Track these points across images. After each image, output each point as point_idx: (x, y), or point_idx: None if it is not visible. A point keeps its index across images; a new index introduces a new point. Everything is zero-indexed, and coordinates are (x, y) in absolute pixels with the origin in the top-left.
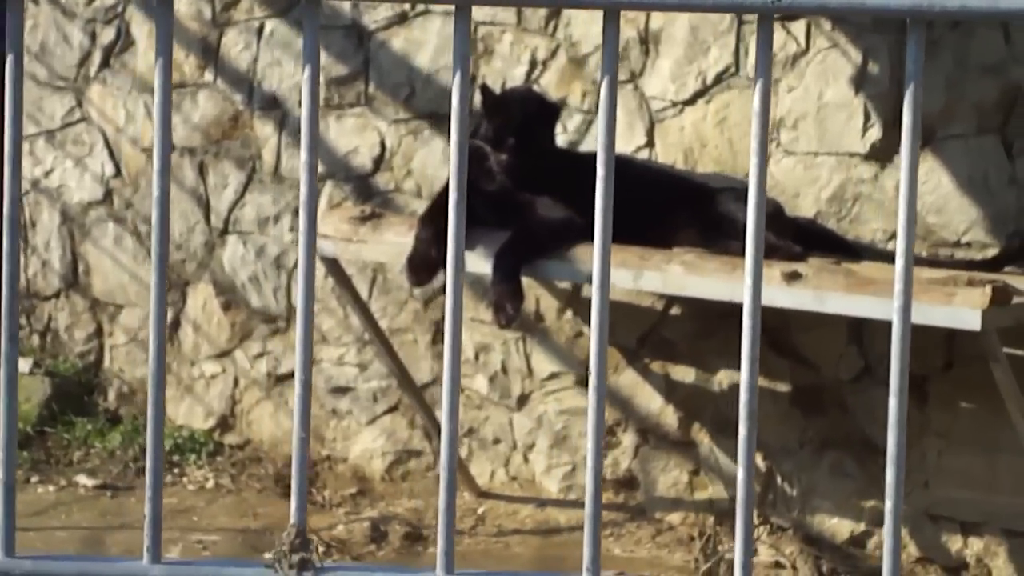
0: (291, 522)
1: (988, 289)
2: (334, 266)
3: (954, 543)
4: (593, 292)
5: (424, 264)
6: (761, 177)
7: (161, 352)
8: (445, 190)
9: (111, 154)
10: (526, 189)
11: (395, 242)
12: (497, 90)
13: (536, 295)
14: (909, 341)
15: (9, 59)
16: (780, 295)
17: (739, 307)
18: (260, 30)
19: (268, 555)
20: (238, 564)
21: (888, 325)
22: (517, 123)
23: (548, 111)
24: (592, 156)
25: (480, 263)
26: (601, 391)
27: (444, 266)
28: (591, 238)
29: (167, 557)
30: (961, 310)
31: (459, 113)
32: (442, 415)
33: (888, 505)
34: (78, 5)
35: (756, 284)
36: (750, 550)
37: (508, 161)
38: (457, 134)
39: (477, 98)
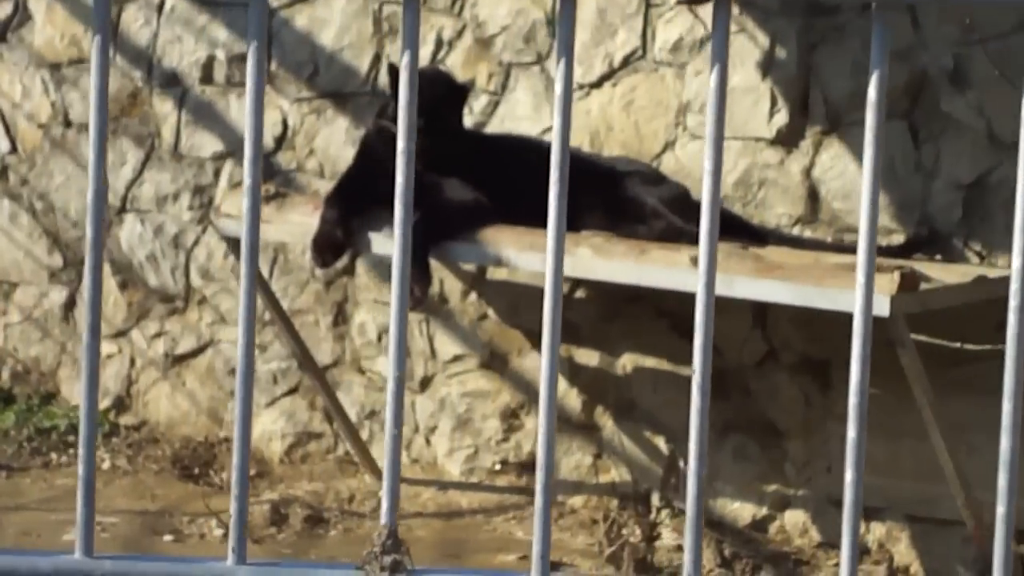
0: (382, 522)
1: (896, 275)
2: (237, 246)
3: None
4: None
5: (329, 245)
6: (716, 177)
7: (253, 364)
8: (351, 171)
9: (7, 130)
10: (435, 170)
11: (299, 222)
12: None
13: (440, 277)
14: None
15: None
16: (688, 279)
17: (644, 291)
18: (160, 6)
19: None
20: (328, 566)
21: (792, 310)
22: (426, 104)
23: (457, 92)
24: (499, 138)
25: (386, 244)
26: (553, 380)
27: (349, 247)
28: (498, 220)
29: (251, 559)
30: None
31: (407, 115)
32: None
33: (1000, 511)
34: None
35: (868, 289)
36: (855, 553)
37: (416, 142)
38: (405, 141)
39: (385, 79)
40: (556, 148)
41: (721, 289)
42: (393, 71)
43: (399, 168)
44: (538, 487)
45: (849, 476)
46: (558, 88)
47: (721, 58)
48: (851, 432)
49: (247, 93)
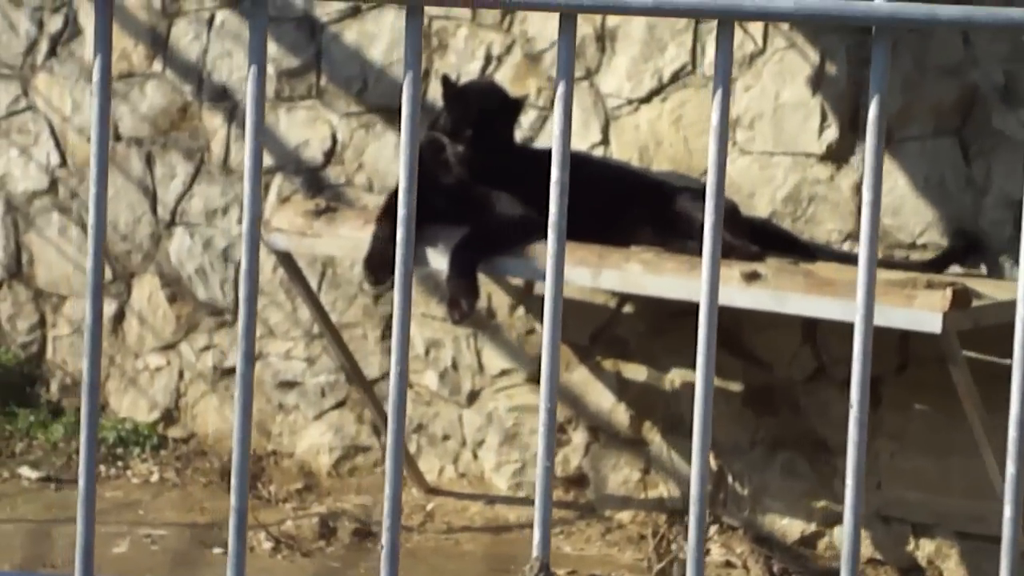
0: (534, 555)
1: (948, 292)
2: (287, 260)
3: (906, 544)
4: (546, 289)
5: (382, 263)
6: (719, 184)
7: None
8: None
9: (57, 143)
10: (484, 183)
11: (350, 236)
12: (459, 82)
13: (488, 291)
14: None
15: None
16: (739, 295)
17: (693, 306)
18: (211, 20)
19: None
20: None
21: (843, 326)
22: (476, 115)
23: (509, 106)
24: (548, 153)
25: (437, 258)
26: (553, 386)
27: None
28: (547, 235)
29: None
30: (921, 312)
31: (410, 114)
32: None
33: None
34: None
35: (868, 308)
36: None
37: (464, 153)
38: (407, 146)
39: (437, 90)
40: (556, 160)
41: (772, 305)
42: (445, 82)
43: (401, 170)
44: (538, 491)
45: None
46: (557, 108)
47: (724, 80)
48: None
49: (247, 115)
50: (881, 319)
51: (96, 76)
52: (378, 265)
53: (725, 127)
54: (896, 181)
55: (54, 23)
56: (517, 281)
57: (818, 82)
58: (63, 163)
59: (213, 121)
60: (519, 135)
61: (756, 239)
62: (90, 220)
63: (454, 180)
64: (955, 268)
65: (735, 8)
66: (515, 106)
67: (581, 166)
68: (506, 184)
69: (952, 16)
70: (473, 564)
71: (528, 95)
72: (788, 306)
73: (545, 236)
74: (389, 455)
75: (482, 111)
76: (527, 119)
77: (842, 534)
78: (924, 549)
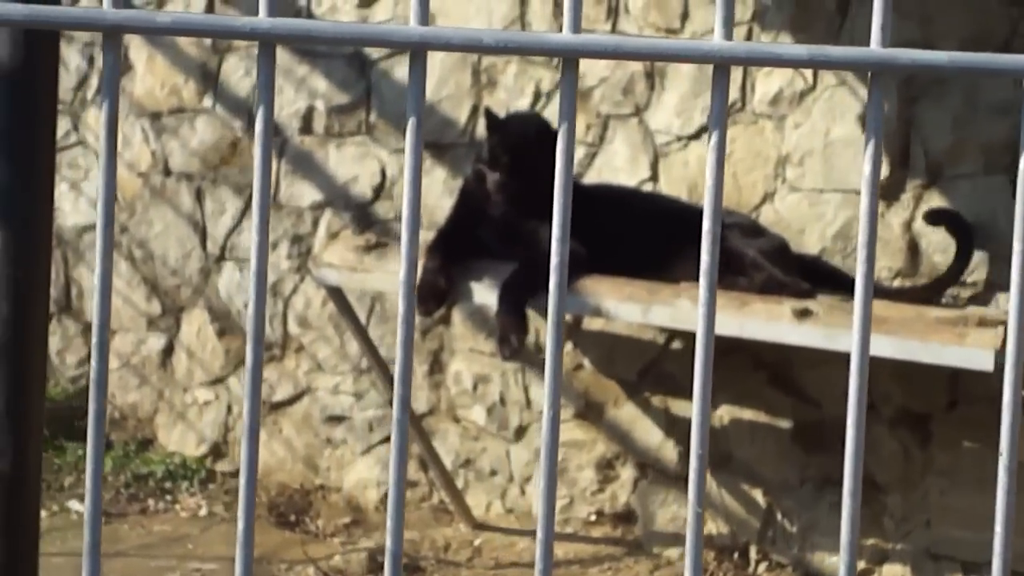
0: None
1: (1000, 330)
2: (337, 294)
3: None
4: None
5: (432, 294)
6: (715, 229)
7: None
8: (450, 219)
9: None
10: (525, 213)
11: (398, 272)
12: (500, 114)
13: (536, 326)
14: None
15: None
16: (790, 332)
17: (743, 343)
18: None
19: None
20: None
21: (893, 363)
22: (513, 143)
23: (548, 134)
24: (597, 188)
25: (486, 294)
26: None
27: (450, 296)
28: (596, 270)
29: None
30: (973, 351)
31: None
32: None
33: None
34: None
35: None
36: None
37: (502, 180)
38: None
39: (482, 129)
40: (558, 202)
41: (824, 343)
42: (487, 114)
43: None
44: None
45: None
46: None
47: (720, 123)
48: None
49: (255, 152)
50: (933, 357)
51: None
52: (428, 296)
53: (720, 178)
54: None
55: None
56: (565, 317)
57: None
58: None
59: None
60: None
61: (806, 276)
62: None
63: (501, 213)
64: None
65: (891, 60)
66: (555, 136)
67: (629, 201)
68: (551, 217)
69: (946, 62)
70: None
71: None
72: (840, 343)
73: (593, 271)
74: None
75: (520, 139)
76: (576, 156)
77: (893, 572)
78: None
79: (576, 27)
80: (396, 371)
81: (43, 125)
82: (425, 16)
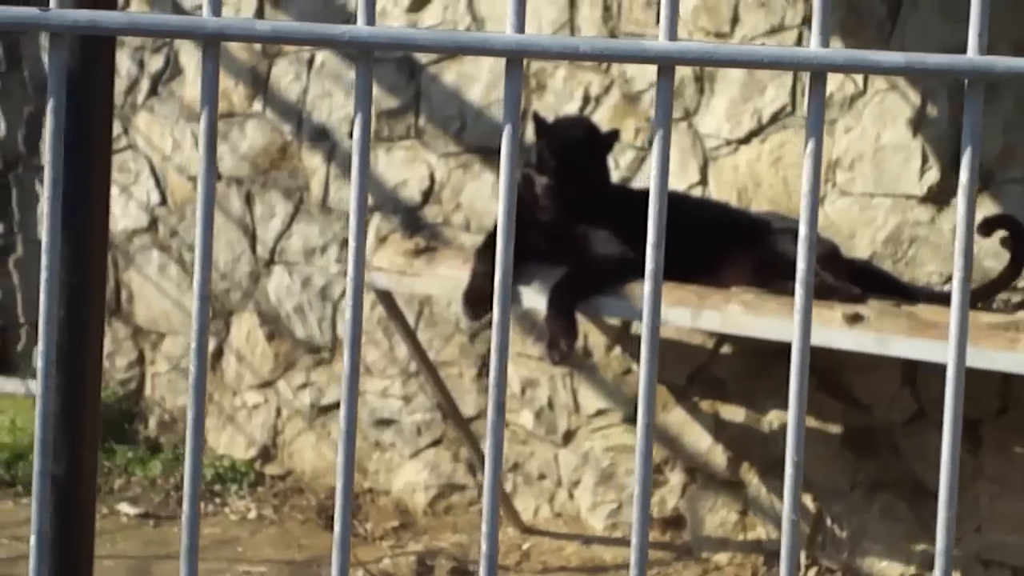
0: None
1: None
2: (387, 299)
3: None
4: (643, 328)
5: (480, 298)
6: (811, 234)
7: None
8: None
9: (157, 182)
10: (574, 218)
11: (449, 276)
12: (548, 118)
13: (585, 331)
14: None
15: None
16: (841, 337)
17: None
18: (311, 61)
19: None
20: None
21: (943, 368)
22: (559, 145)
23: (596, 138)
24: (645, 193)
25: (535, 298)
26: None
27: None
28: (643, 275)
29: None
30: (1019, 355)
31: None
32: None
33: None
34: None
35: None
36: None
37: (549, 184)
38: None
39: (531, 133)
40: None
41: (875, 348)
42: (535, 119)
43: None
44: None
45: None
46: (654, 161)
47: (816, 132)
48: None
49: (353, 158)
50: (983, 362)
51: (203, 124)
52: (477, 300)
53: (818, 178)
54: None
55: (155, 63)
56: (614, 321)
57: (919, 124)
58: (163, 202)
59: (312, 161)
60: (615, 175)
61: (857, 281)
62: (196, 259)
63: (550, 218)
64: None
65: (987, 68)
66: (604, 140)
67: (680, 206)
68: (600, 221)
69: None
70: None
71: (619, 130)
72: (892, 348)
73: (642, 276)
74: (486, 490)
75: (566, 142)
76: (624, 159)
77: None
78: None
79: (672, 34)
80: (491, 376)
81: (100, 131)
82: (522, 24)
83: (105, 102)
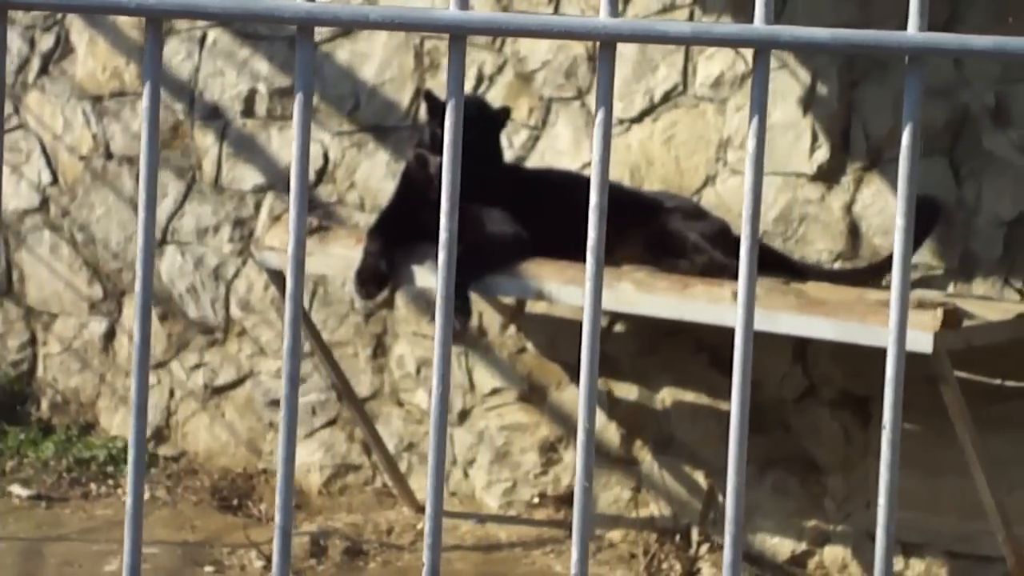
0: (572, 572)
1: (939, 312)
2: (278, 278)
3: (896, 564)
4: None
5: (373, 277)
6: (754, 222)
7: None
8: (392, 203)
9: (48, 162)
10: (468, 195)
11: (342, 255)
12: (441, 97)
13: (479, 310)
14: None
15: None
16: (730, 314)
17: (685, 325)
18: (203, 39)
19: None
20: None
21: (833, 346)
22: None
23: (489, 116)
24: (540, 172)
25: (428, 277)
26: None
27: (392, 279)
28: (538, 253)
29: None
30: (912, 332)
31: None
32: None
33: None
34: (17, 11)
35: (901, 331)
36: None
37: (442, 163)
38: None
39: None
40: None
41: (763, 325)
42: (427, 97)
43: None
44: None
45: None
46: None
47: (606, 103)
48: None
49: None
50: (873, 339)
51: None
52: (369, 279)
53: (762, 152)
54: (887, 201)
55: (46, 41)
56: (508, 300)
57: (809, 102)
58: (54, 181)
59: (205, 140)
60: (509, 155)
61: None
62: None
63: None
64: (945, 288)
65: (772, 38)
66: (496, 118)
67: (571, 185)
68: (494, 201)
69: (984, 46)
70: None
71: (510, 108)
72: (779, 325)
73: (535, 254)
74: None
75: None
76: (519, 139)
77: (834, 554)
78: (914, 569)
79: (464, 3)
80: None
81: None
82: (615, 9)
83: None
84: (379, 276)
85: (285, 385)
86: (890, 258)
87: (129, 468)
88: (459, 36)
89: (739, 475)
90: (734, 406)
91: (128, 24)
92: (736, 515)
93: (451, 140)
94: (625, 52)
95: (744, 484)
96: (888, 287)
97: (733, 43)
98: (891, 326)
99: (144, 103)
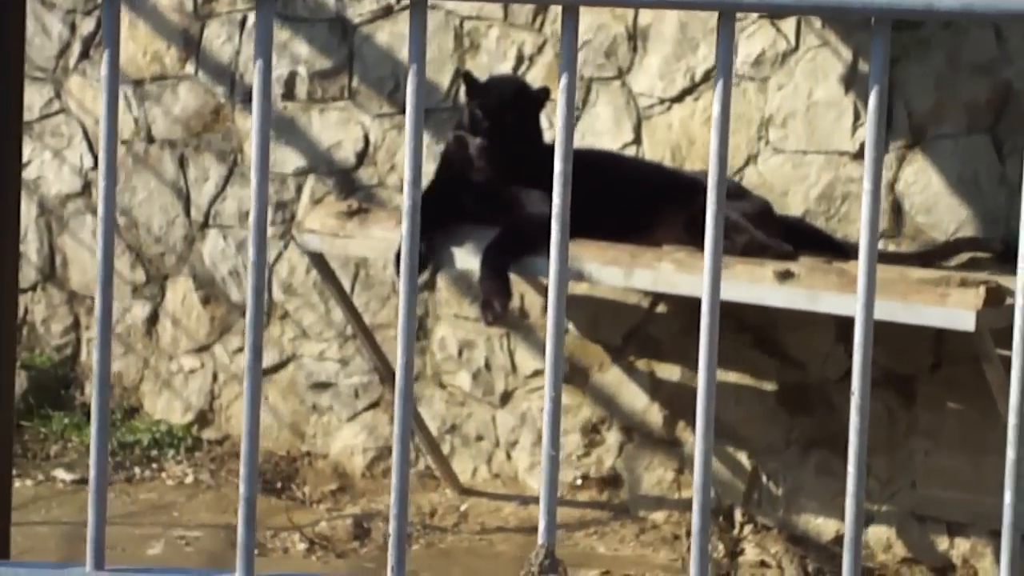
0: (540, 542)
1: (982, 290)
2: (319, 261)
3: (941, 543)
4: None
5: None
6: (720, 189)
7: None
8: (432, 185)
9: (90, 146)
10: (508, 178)
11: (382, 237)
12: (481, 78)
13: (521, 291)
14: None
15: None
16: (772, 294)
17: (726, 305)
18: (243, 22)
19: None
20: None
21: (877, 324)
22: (492, 106)
23: (528, 97)
24: (580, 152)
25: (468, 259)
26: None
27: (432, 261)
28: (579, 234)
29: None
30: (955, 311)
31: None
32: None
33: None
34: None
35: (867, 307)
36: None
37: (483, 144)
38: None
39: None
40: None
41: (806, 304)
42: (467, 78)
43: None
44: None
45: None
46: (560, 101)
47: (725, 73)
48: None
49: (253, 108)
50: (915, 317)
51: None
52: None
53: (727, 120)
54: (930, 179)
55: (86, 25)
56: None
57: (851, 80)
58: (96, 166)
59: (246, 123)
60: (551, 135)
61: (789, 238)
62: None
63: (483, 179)
64: (987, 267)
65: (734, 1)
66: (535, 98)
67: (613, 166)
68: (534, 181)
69: (950, 7)
70: (506, 565)
71: (550, 88)
72: (822, 305)
73: (576, 235)
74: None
75: (499, 102)
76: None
77: (878, 534)
78: (959, 548)
79: None
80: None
81: (10, 99)
82: None
83: (15, 71)
84: (419, 258)
85: (248, 355)
86: (943, 245)
87: (92, 443)
88: (571, 7)
89: (707, 440)
90: (701, 372)
91: (168, 8)
92: (704, 481)
93: (564, 115)
94: (666, 32)
95: (712, 448)
96: (930, 255)
97: (699, 6)
98: (859, 291)
99: (104, 71)
